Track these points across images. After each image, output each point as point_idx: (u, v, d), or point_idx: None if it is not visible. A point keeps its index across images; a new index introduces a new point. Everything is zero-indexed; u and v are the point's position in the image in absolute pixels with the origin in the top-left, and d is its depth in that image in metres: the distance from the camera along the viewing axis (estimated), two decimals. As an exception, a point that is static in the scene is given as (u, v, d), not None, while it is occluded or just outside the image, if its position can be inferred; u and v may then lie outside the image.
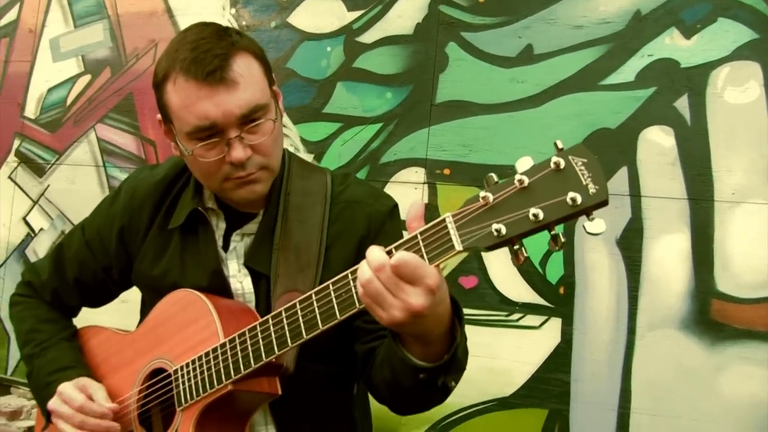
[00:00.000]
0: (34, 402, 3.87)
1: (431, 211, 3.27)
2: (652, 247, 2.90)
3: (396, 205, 1.70)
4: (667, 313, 2.86)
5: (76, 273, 1.81)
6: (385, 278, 1.17)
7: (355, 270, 1.25)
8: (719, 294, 2.79)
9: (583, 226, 1.07)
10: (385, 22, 3.44)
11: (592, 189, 1.06)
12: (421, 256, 1.19)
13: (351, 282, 1.26)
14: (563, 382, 3.00)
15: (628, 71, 2.96)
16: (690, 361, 2.81)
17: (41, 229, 4.37)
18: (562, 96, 3.06)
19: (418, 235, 1.21)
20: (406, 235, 1.28)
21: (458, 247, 1.15)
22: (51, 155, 4.37)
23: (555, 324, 3.04)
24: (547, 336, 3.04)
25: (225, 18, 3.84)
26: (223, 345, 1.47)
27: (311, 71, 3.60)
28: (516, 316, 3.10)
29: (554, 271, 3.04)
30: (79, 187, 4.26)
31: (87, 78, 4.28)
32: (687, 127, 2.86)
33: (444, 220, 1.19)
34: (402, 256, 1.16)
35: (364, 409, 1.85)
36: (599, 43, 3.01)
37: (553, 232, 1.10)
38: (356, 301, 1.25)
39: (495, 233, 1.11)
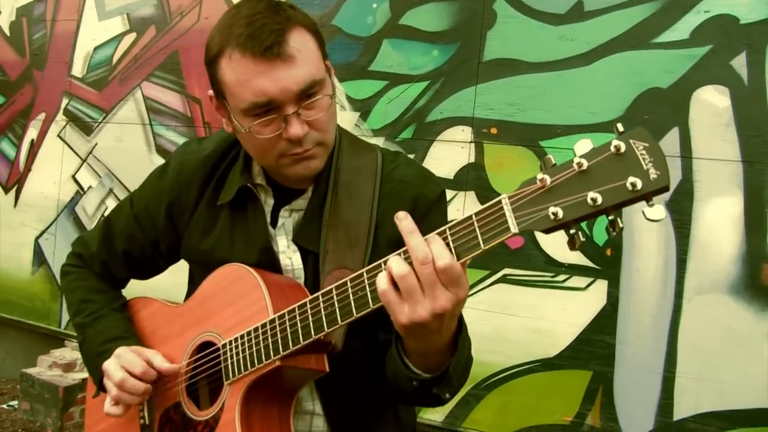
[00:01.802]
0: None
1: (478, 170, 3.25)
2: (703, 209, 2.85)
3: (444, 191, 1.67)
4: (717, 278, 2.82)
5: (125, 246, 1.82)
6: (426, 274, 1.18)
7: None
8: (772, 259, 2.75)
9: (642, 212, 1.05)
10: (432, -22, 3.38)
11: (653, 174, 1.02)
12: (475, 238, 1.15)
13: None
14: (608, 344, 3.00)
15: (682, 28, 2.87)
16: (739, 326, 2.78)
17: (90, 187, 4.46)
18: (613, 54, 3.00)
19: (473, 216, 1.16)
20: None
21: (514, 229, 1.11)
22: (98, 114, 4.43)
23: (601, 286, 3.03)
24: (592, 298, 3.03)
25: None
26: (272, 321, 1.46)
27: (357, 28, 3.56)
28: (562, 277, 3.09)
29: (601, 232, 3.01)
30: (127, 145, 4.32)
31: (132, 36, 4.30)
32: (744, 87, 2.78)
33: (500, 202, 1.13)
34: (452, 260, 1.17)
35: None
36: (653, -1, 2.92)
37: (611, 217, 1.08)
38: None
39: (552, 216, 1.08)
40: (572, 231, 1.10)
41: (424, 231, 1.21)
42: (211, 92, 1.56)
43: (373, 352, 1.59)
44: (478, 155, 3.26)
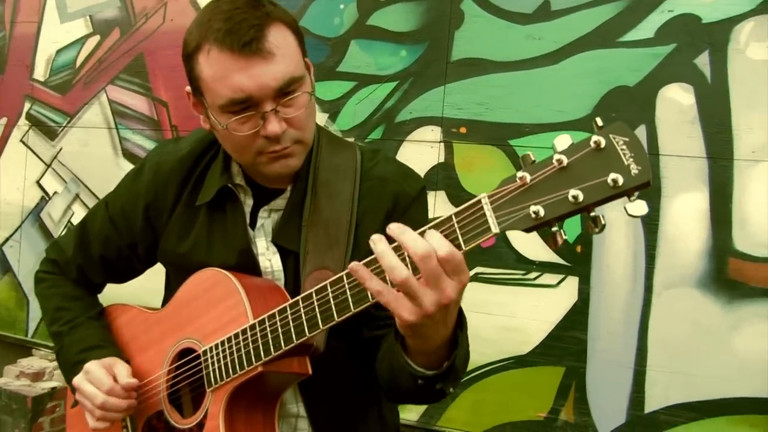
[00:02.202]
0: (55, 364, 3.92)
1: (448, 170, 3.26)
2: (670, 205, 2.89)
3: (424, 188, 1.66)
4: (684, 272, 2.86)
5: (101, 250, 1.78)
6: (431, 268, 1.11)
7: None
8: (736, 253, 2.79)
9: (624, 208, 1.04)
10: (398, -22, 3.38)
11: (634, 170, 1.01)
12: (456, 239, 1.12)
13: None
14: (580, 340, 3.02)
15: (647, 27, 2.91)
16: (706, 319, 2.82)
17: (55, 193, 4.37)
18: (580, 53, 3.02)
19: (453, 217, 1.13)
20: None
21: (495, 229, 1.09)
22: (62, 118, 4.35)
23: (572, 282, 3.05)
24: (564, 294, 3.06)
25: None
26: (252, 326, 1.44)
27: (324, 29, 3.54)
28: (533, 274, 3.11)
29: (571, 229, 3.03)
30: (92, 149, 4.24)
31: (96, 39, 4.22)
32: (707, 85, 2.82)
33: (480, 202, 1.10)
34: (452, 249, 1.11)
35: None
36: (618, -1, 2.96)
37: (592, 214, 1.07)
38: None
39: (533, 215, 1.06)
40: (554, 229, 1.08)
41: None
42: (188, 88, 1.53)
43: (355, 351, 1.58)
44: (447, 155, 3.27)
